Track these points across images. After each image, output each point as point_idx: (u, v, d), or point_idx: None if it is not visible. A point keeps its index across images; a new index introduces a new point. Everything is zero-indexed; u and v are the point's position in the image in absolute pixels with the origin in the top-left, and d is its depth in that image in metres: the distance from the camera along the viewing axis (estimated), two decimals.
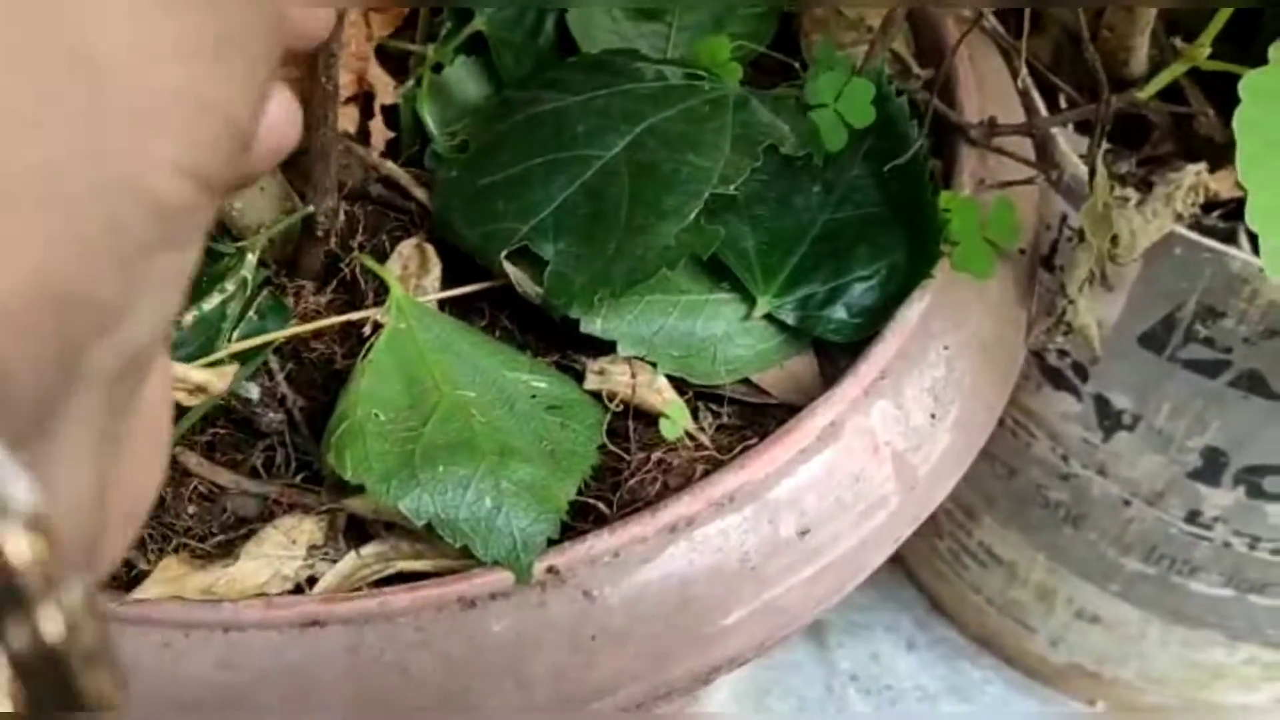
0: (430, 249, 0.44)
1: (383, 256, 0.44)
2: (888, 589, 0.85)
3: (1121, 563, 0.64)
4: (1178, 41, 0.43)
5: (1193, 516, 0.59)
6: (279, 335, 0.41)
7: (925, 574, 0.81)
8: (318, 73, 0.38)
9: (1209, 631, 0.66)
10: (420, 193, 0.45)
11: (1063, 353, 0.58)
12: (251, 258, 0.41)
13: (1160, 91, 0.53)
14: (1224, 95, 0.42)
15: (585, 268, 0.40)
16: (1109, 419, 0.57)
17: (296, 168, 0.43)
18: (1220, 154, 0.50)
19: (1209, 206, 0.51)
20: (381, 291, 0.43)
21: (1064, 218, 0.52)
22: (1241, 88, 0.32)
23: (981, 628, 0.78)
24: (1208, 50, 0.41)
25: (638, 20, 0.49)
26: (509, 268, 0.41)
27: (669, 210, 0.41)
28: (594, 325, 0.41)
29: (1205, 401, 0.52)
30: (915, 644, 0.82)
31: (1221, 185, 0.50)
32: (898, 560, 0.84)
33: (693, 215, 0.40)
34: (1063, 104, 0.57)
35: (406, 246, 0.44)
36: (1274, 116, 0.32)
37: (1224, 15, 0.40)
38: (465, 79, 0.48)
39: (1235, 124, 0.32)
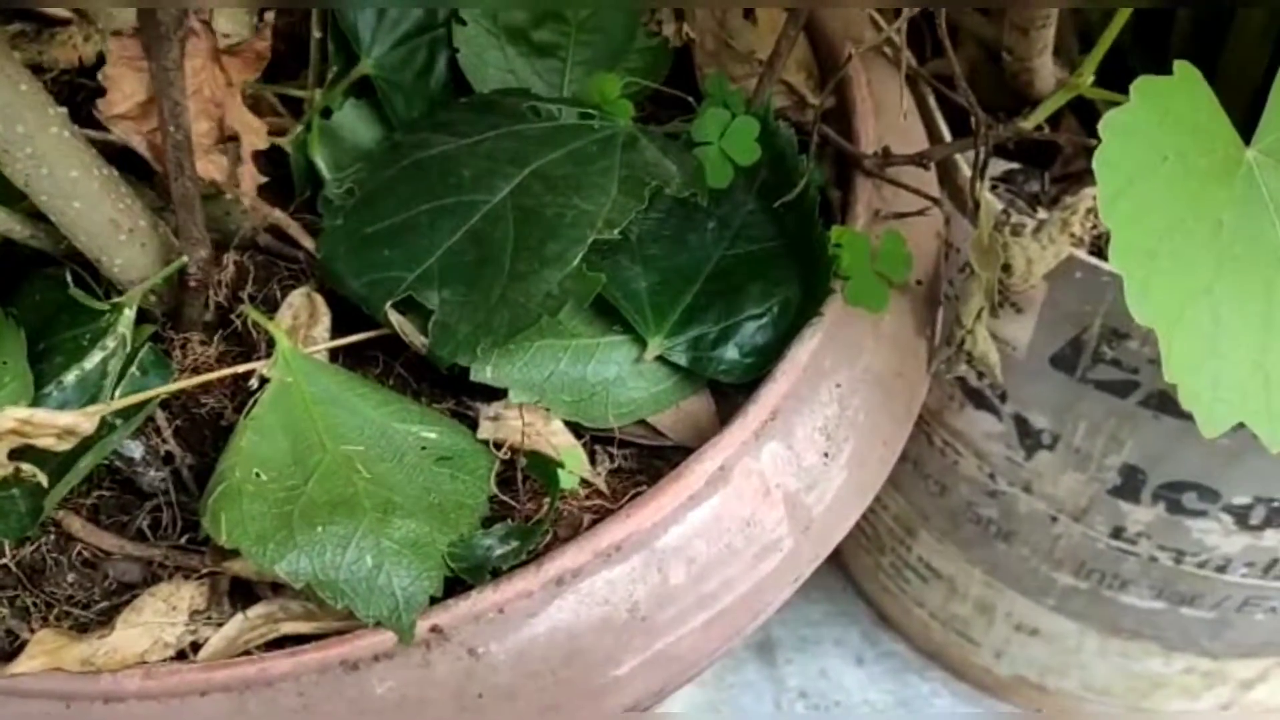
0: (319, 298, 0.43)
1: (273, 306, 0.44)
2: (836, 603, 0.85)
3: (1054, 577, 0.64)
4: (1059, 72, 0.42)
5: (1117, 532, 0.59)
6: (161, 391, 0.40)
7: (871, 588, 0.81)
8: (163, 122, 0.37)
9: (1145, 643, 0.66)
10: (309, 241, 0.44)
11: (981, 373, 0.58)
12: (129, 313, 0.41)
13: (1075, 105, 0.54)
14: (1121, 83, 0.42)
15: (469, 316, 0.40)
16: (1029, 438, 0.57)
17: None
18: None
19: None
20: (273, 342, 0.43)
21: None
22: (1101, 127, 0.32)
23: (928, 641, 0.78)
24: (1091, 80, 0.41)
25: (531, 57, 0.49)
26: (394, 317, 0.41)
27: (552, 256, 0.40)
28: (484, 373, 0.41)
29: (1119, 421, 0.52)
30: (863, 659, 0.82)
31: None
32: (845, 574, 0.84)
33: (577, 260, 0.40)
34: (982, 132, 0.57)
35: (296, 296, 0.44)
36: (1133, 153, 0.32)
37: (1105, 45, 0.40)
38: (356, 123, 0.47)
39: (1095, 163, 0.32)
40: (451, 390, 0.43)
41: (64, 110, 0.38)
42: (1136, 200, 0.32)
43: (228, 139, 0.41)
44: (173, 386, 0.41)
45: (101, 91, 0.52)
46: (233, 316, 0.43)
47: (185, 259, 0.40)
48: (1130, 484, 0.55)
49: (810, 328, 0.41)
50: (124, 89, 0.39)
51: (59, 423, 0.36)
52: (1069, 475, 0.57)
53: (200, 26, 0.40)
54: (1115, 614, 0.65)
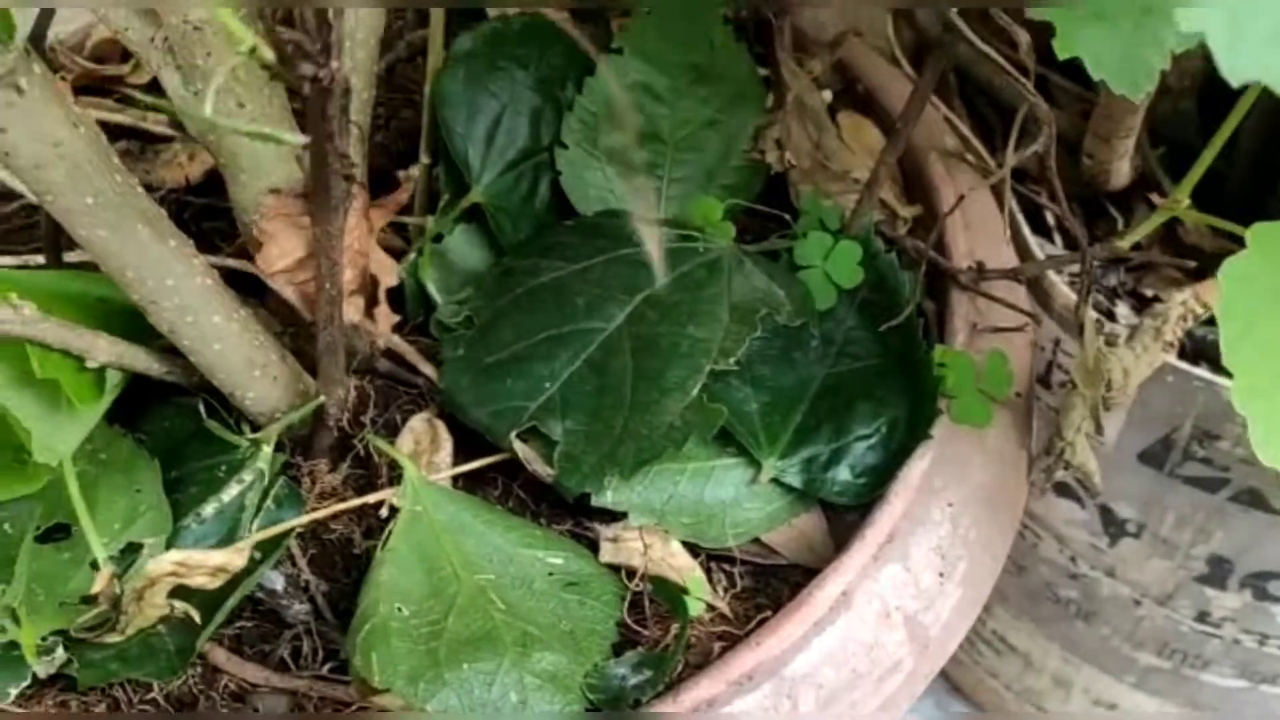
0: (440, 425, 0.45)
1: (393, 431, 0.45)
2: None
3: (1135, 656, 0.65)
4: (1154, 197, 0.44)
5: (1202, 616, 0.59)
6: (297, 522, 0.42)
7: None
8: (321, 279, 0.39)
9: (1223, 719, 0.66)
10: (427, 367, 0.46)
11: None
12: (267, 449, 0.42)
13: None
14: (1205, 196, 0.43)
15: (594, 447, 0.41)
16: (1114, 526, 0.58)
17: (305, 353, 0.44)
18: (1210, 260, 0.51)
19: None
20: (395, 466, 0.44)
21: (1057, 342, 0.54)
22: (1221, 274, 0.33)
23: (1000, 711, 0.79)
24: (1186, 202, 0.42)
25: (629, 177, 0.51)
26: (519, 447, 0.42)
27: (672, 385, 0.42)
28: (605, 498, 0.42)
29: (1207, 514, 0.53)
30: None
31: (1210, 295, 0.51)
32: None
33: (696, 390, 0.41)
34: (1049, 219, 0.58)
35: (417, 422, 0.45)
36: (1252, 299, 0.33)
37: (1201, 167, 0.42)
38: (465, 246, 0.49)
39: (1216, 311, 0.33)
40: (569, 511, 0.44)
41: (206, 259, 0.40)
42: (1258, 344, 0.33)
43: (367, 282, 0.43)
44: (308, 517, 0.42)
45: (210, 210, 0.55)
46: (355, 441, 0.45)
47: (323, 399, 0.42)
48: (1217, 573, 0.56)
49: (921, 448, 0.42)
50: (282, 245, 0.40)
51: (212, 562, 0.38)
52: (1154, 562, 0.58)
53: (358, 188, 0.41)
54: (1195, 691, 0.65)
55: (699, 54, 0.50)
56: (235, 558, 0.39)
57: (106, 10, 0.41)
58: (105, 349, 0.40)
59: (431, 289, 0.48)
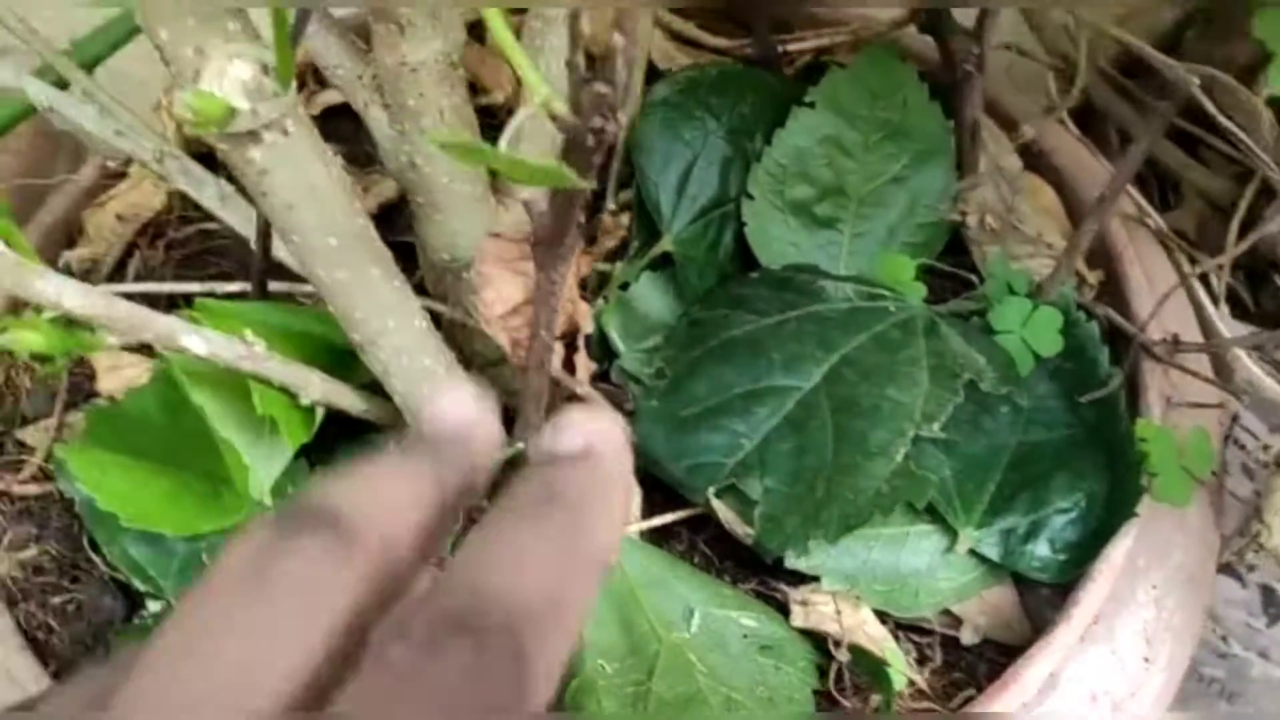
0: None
1: None
2: None
3: None
4: None
5: None
6: None
7: None
8: (537, 326, 0.39)
9: None
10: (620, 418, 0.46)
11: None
12: None
13: None
14: None
15: (795, 509, 0.41)
16: (1274, 608, 0.57)
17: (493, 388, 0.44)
18: None
19: None
20: None
21: (1235, 417, 0.52)
22: None
23: None
24: None
25: (812, 229, 0.50)
26: (717, 505, 0.42)
27: (875, 449, 0.41)
28: (798, 560, 0.42)
29: None
30: None
31: None
32: None
33: (900, 456, 0.41)
34: (1213, 282, 0.57)
35: None
36: None
37: None
38: (649, 294, 0.49)
39: None
40: (754, 570, 0.44)
41: (421, 302, 0.40)
42: None
43: (570, 330, 0.43)
44: None
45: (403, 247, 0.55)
46: None
47: (521, 444, 0.41)
48: None
49: (1125, 526, 0.41)
50: (500, 290, 0.40)
51: None
52: None
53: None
54: None
55: (892, 110, 0.49)
56: None
57: (318, 46, 0.41)
58: (318, 386, 0.40)
59: (614, 335, 0.48)
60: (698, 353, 0.45)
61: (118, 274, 0.58)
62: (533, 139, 0.45)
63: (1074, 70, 0.66)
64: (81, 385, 0.51)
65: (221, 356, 0.36)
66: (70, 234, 0.59)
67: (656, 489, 0.44)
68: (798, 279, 0.48)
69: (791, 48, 0.59)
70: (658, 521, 0.44)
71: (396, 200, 0.57)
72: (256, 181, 0.33)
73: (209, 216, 0.59)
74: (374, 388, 0.43)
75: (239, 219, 0.47)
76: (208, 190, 0.46)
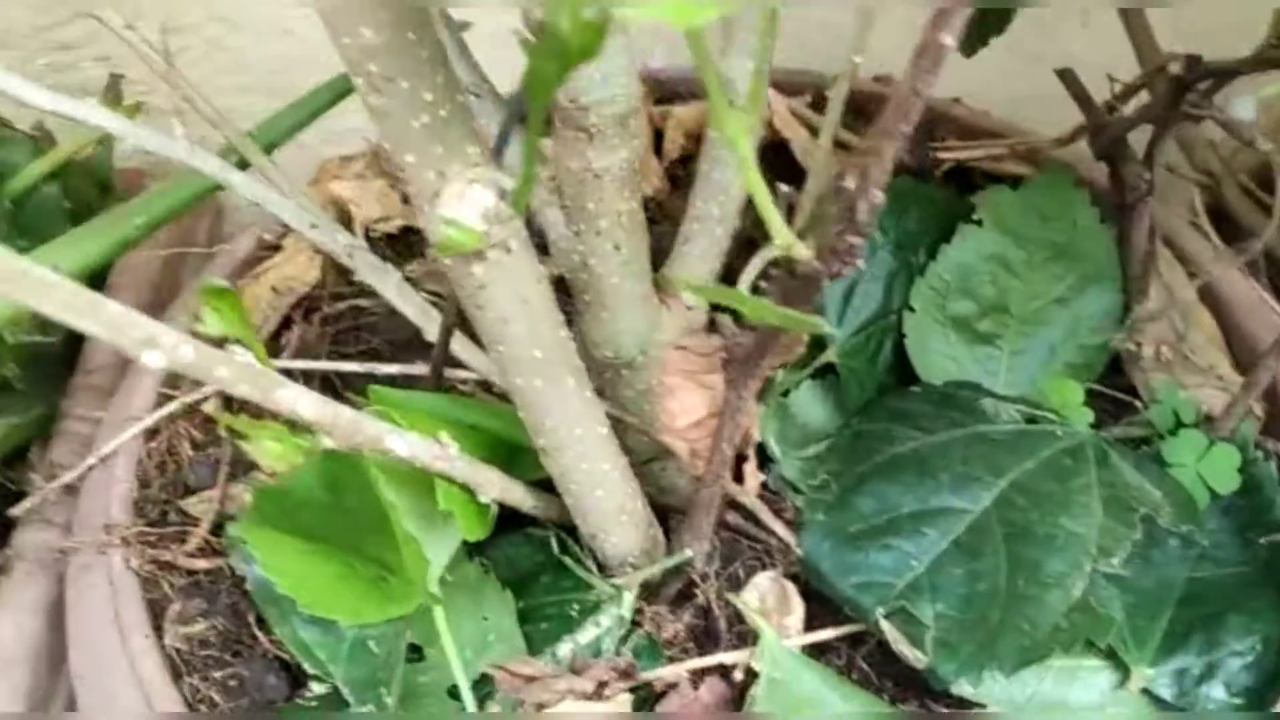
0: (790, 586, 0.44)
1: (735, 584, 0.45)
2: None
3: None
4: None
5: None
6: (659, 674, 0.42)
7: None
8: (719, 439, 0.39)
9: None
10: (777, 525, 0.46)
11: None
12: (629, 596, 0.43)
13: None
14: None
15: (969, 637, 0.40)
16: None
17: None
18: None
19: None
20: (735, 620, 0.44)
21: None
22: None
23: None
24: None
25: (972, 344, 0.50)
26: (886, 627, 0.42)
27: (1051, 581, 0.41)
28: (964, 687, 0.41)
29: None
30: None
31: None
32: None
33: (1078, 590, 0.40)
34: None
35: (763, 580, 0.45)
36: None
37: None
38: (809, 403, 0.49)
39: None
40: (913, 690, 0.43)
41: (603, 407, 0.41)
42: None
43: (743, 441, 0.44)
44: (665, 671, 0.42)
45: None
46: (696, 590, 0.45)
47: (690, 552, 0.42)
48: None
49: None
50: (684, 402, 0.41)
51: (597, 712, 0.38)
52: None
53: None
54: None
55: (1060, 232, 0.50)
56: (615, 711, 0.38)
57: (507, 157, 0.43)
58: (496, 485, 0.41)
59: (771, 442, 0.48)
60: (864, 468, 0.45)
61: (271, 346, 0.59)
62: (695, 240, 0.46)
63: (1218, 184, 0.66)
64: (241, 456, 0.53)
65: (420, 458, 0.37)
66: None
67: (813, 600, 0.44)
68: (959, 395, 0.48)
69: (942, 155, 0.59)
70: (820, 637, 0.43)
71: None
72: (474, 295, 0.34)
73: (361, 292, 0.61)
74: (542, 484, 0.43)
75: (413, 309, 0.49)
76: (390, 281, 0.48)
